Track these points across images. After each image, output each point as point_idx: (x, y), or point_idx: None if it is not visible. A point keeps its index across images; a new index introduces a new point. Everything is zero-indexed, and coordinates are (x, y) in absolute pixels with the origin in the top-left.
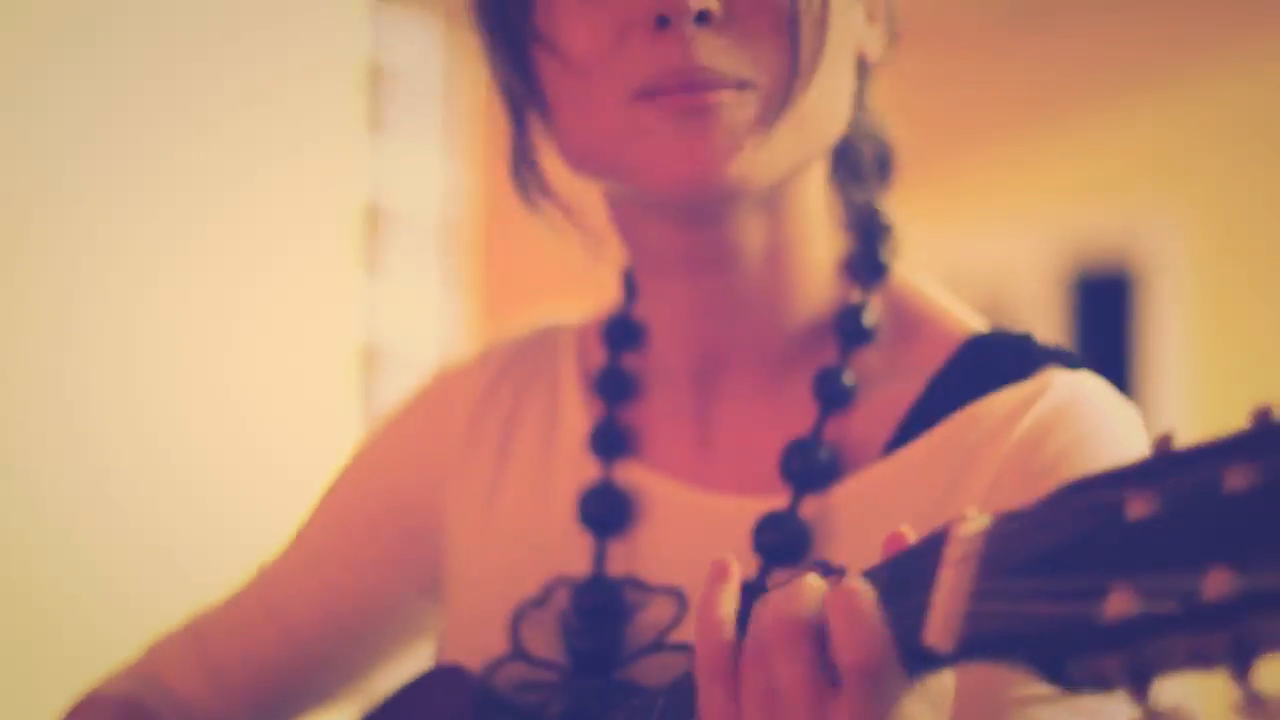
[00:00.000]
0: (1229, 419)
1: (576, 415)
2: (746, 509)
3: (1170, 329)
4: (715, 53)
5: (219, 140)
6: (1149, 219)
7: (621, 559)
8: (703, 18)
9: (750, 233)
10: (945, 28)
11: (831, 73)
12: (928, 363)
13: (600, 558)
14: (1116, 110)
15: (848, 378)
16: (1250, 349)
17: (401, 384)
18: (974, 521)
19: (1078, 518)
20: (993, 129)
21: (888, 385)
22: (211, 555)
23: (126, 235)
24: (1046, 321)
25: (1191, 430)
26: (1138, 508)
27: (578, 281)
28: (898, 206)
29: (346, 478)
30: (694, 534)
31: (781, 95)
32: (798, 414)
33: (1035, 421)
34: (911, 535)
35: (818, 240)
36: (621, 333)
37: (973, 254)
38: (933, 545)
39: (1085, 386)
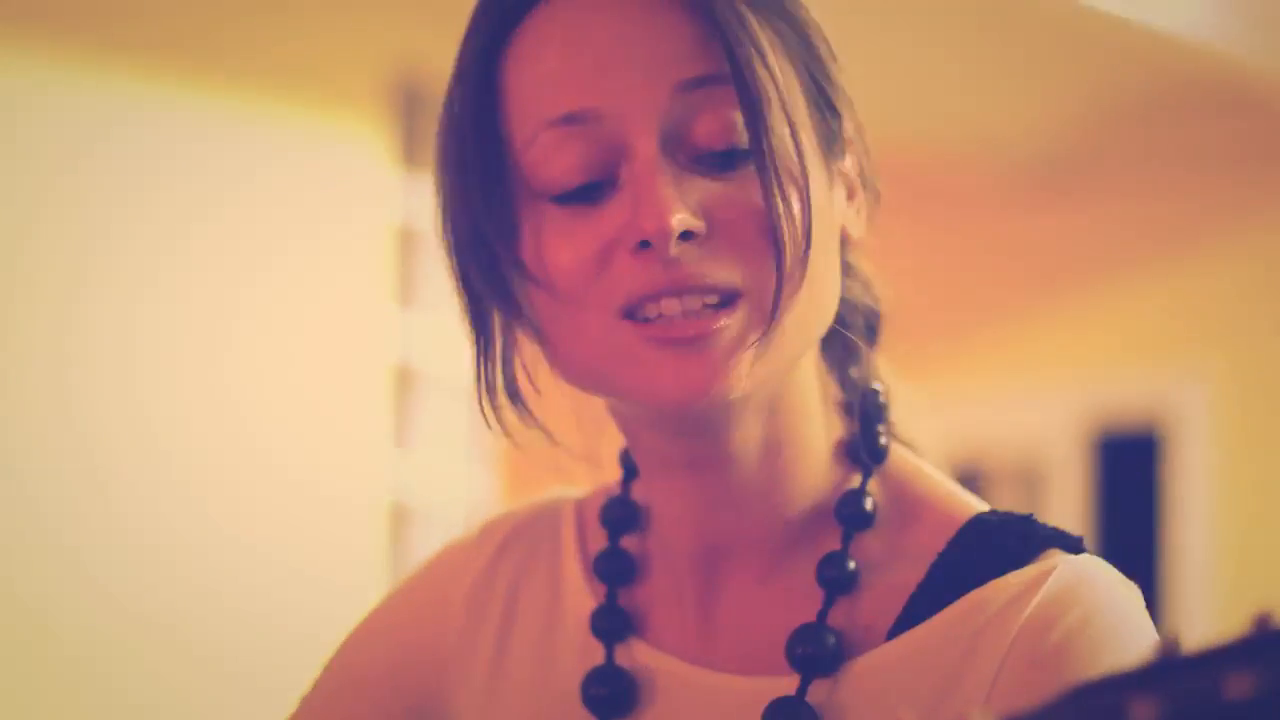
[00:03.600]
0: (1256, 581)
1: (579, 596)
2: (752, 690)
3: (1197, 489)
4: (700, 262)
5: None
6: (1175, 380)
7: None
8: (686, 235)
9: (747, 432)
10: (965, 191)
11: (819, 270)
12: (929, 546)
13: None
14: (1140, 272)
15: (851, 563)
16: (1278, 508)
17: (430, 544)
18: None
19: None
20: (1013, 292)
21: (890, 569)
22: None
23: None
24: (1074, 483)
25: (1218, 592)
26: (1140, 713)
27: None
28: (923, 373)
29: (350, 651)
30: (701, 714)
31: (771, 305)
32: (801, 598)
33: (1040, 605)
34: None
35: (813, 428)
36: (621, 515)
37: (999, 419)
38: None
39: (1089, 569)
